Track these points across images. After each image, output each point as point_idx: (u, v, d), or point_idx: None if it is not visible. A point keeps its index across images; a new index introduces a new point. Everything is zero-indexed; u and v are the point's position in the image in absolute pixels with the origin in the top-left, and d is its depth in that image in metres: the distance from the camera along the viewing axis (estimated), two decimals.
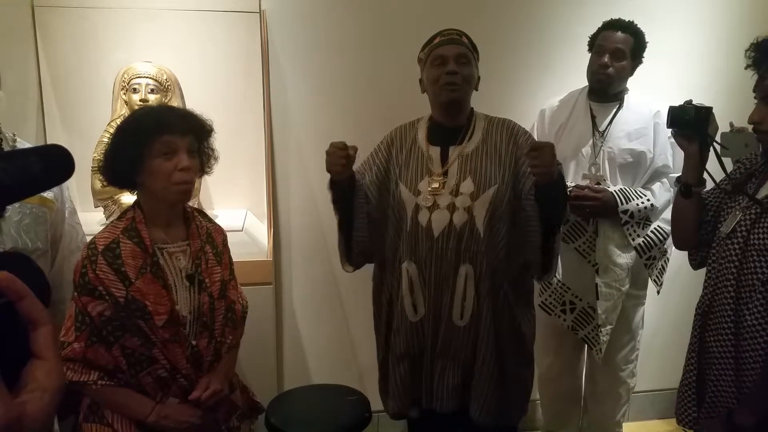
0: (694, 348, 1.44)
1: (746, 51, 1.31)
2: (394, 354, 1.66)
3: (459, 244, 1.54)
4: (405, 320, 1.61)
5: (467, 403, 1.63)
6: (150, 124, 1.26)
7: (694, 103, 1.43)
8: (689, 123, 1.42)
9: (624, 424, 2.26)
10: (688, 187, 1.45)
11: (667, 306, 2.43)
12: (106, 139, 1.79)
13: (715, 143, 1.42)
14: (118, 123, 1.36)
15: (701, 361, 1.42)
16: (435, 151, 1.62)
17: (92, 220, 1.86)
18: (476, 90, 1.65)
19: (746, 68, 1.32)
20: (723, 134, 1.57)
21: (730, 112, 1.76)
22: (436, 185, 1.56)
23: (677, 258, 2.04)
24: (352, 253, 1.68)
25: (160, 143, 1.25)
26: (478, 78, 1.64)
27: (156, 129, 1.25)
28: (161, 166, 1.26)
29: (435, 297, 1.57)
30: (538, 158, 1.41)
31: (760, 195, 1.34)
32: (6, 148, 1.32)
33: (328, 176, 2.21)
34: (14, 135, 1.37)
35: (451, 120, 1.63)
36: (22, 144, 1.39)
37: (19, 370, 0.43)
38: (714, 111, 1.42)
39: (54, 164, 0.48)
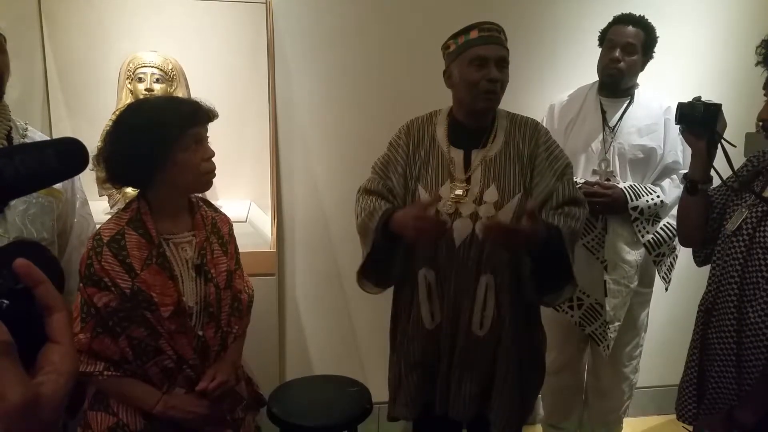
0: (696, 345, 1.44)
1: (757, 48, 1.30)
2: (407, 361, 1.60)
3: (481, 254, 1.48)
4: (421, 328, 1.56)
5: (482, 411, 1.58)
6: (177, 117, 1.24)
7: (703, 99, 1.42)
8: (698, 120, 1.41)
9: (624, 420, 2.27)
10: (693, 183, 1.44)
11: (669, 302, 2.43)
12: None
13: (723, 140, 1.41)
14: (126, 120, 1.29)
15: (703, 358, 1.42)
16: (458, 155, 1.53)
17: (97, 209, 1.87)
18: None
19: (756, 65, 1.31)
20: (748, 135, 1.56)
21: (739, 109, 1.75)
22: (459, 192, 1.48)
23: (681, 255, 2.04)
24: (389, 279, 1.60)
25: (188, 136, 1.25)
26: None
27: (184, 122, 1.24)
28: (191, 159, 1.26)
29: (453, 306, 1.51)
30: (493, 238, 1.38)
31: (767, 193, 1.33)
32: (16, 135, 1.32)
33: (332, 169, 2.23)
34: (26, 123, 1.38)
35: (477, 122, 1.54)
36: (33, 132, 1.39)
37: (35, 353, 0.45)
38: (722, 108, 1.41)
39: (69, 158, 0.49)
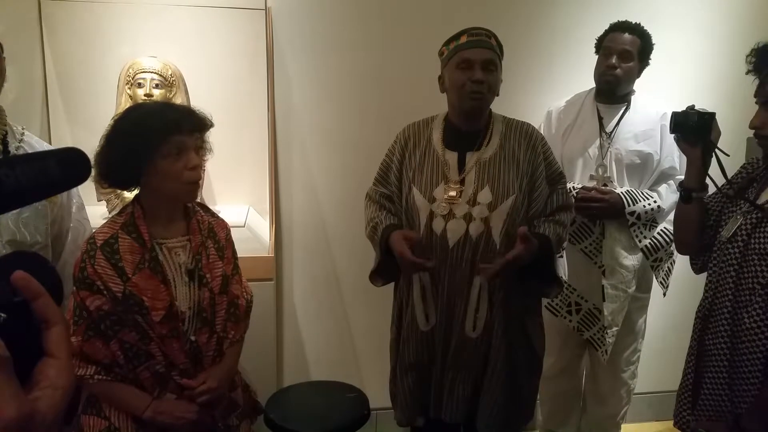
0: (694, 351, 1.44)
1: (747, 56, 1.31)
2: (403, 363, 1.62)
3: (474, 255, 1.50)
4: (416, 329, 1.58)
5: (475, 413, 1.60)
6: (159, 124, 1.23)
7: (696, 108, 1.43)
8: (692, 128, 1.42)
9: (622, 426, 2.27)
10: (689, 192, 1.45)
11: (667, 309, 2.43)
12: None
13: (717, 149, 1.42)
14: (116, 122, 1.31)
15: (699, 364, 1.42)
16: (452, 157, 1.56)
17: (95, 214, 1.87)
18: (497, 95, 1.57)
19: (747, 73, 1.32)
20: (749, 139, 1.57)
21: (737, 115, 1.76)
22: (453, 193, 1.51)
23: (678, 261, 2.05)
24: (396, 276, 1.67)
25: (170, 144, 1.24)
26: (500, 81, 1.57)
27: (166, 129, 1.23)
28: (172, 167, 1.25)
29: (447, 307, 1.54)
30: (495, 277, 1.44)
31: (761, 200, 1.34)
32: (12, 141, 1.33)
33: (330, 174, 2.24)
34: (23, 129, 1.38)
35: (470, 125, 1.58)
36: (30, 137, 1.39)
37: (31, 367, 0.44)
38: (717, 116, 1.42)
39: (72, 167, 0.49)
